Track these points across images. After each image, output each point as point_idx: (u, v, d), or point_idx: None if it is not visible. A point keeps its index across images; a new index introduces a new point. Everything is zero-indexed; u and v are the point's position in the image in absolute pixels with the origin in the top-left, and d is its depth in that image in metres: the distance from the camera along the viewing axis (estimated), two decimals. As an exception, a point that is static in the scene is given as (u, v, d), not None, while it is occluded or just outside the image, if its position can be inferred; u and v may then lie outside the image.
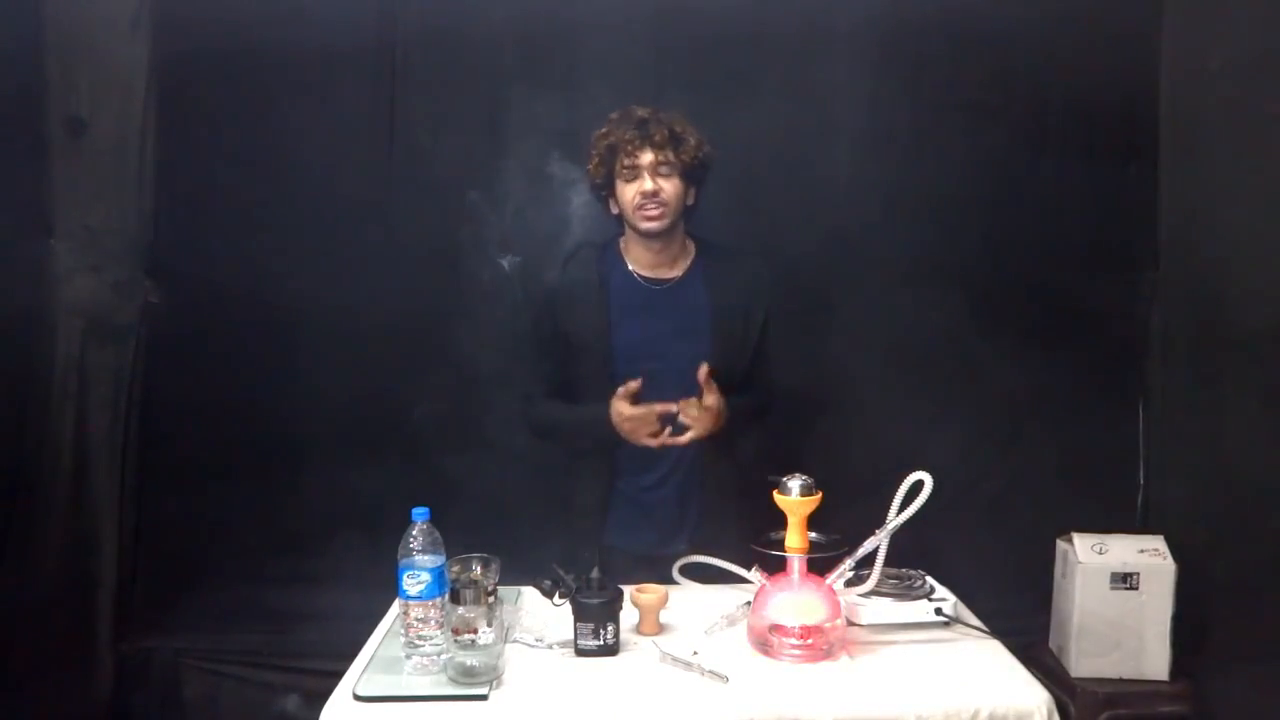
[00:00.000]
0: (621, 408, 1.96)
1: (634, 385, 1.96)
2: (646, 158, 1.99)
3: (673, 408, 1.96)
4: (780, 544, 1.70)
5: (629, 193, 2.01)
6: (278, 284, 2.62)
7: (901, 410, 2.72)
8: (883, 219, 2.67)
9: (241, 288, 2.63)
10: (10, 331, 2.49)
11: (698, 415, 1.97)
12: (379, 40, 2.64)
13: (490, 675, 1.55)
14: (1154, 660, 2.31)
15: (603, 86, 2.56)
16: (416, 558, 1.58)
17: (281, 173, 2.63)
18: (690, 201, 2.07)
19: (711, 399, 1.97)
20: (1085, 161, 2.72)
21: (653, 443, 1.98)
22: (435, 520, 1.61)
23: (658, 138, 1.99)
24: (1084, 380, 2.76)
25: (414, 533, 1.59)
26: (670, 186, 2.00)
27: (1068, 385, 2.75)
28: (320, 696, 1.53)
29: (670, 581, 1.95)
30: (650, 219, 2.00)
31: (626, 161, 2.00)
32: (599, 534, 2.11)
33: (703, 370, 1.97)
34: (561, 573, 1.70)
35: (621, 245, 2.13)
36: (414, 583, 1.57)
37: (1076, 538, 2.36)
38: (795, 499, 1.66)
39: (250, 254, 2.62)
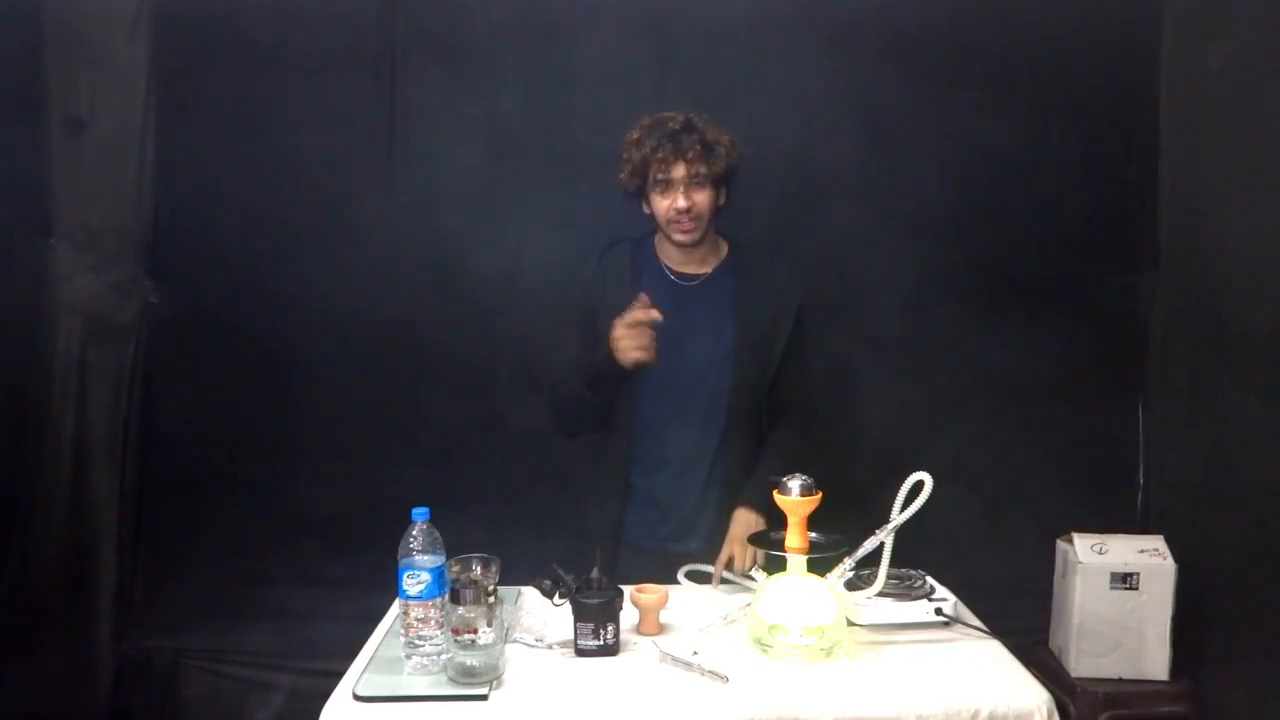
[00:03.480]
0: (619, 319, 1.93)
1: (644, 299, 1.93)
2: (679, 172, 2.00)
3: (656, 315, 1.91)
4: (780, 544, 1.70)
5: (663, 205, 2.03)
6: (278, 284, 2.62)
7: (901, 410, 2.72)
8: (882, 218, 2.66)
9: (242, 287, 2.63)
10: (10, 331, 2.49)
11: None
12: (379, 40, 2.64)
13: (490, 675, 1.55)
14: (1154, 660, 2.31)
15: (603, 84, 2.56)
16: (416, 558, 1.58)
17: (282, 173, 2.63)
18: (721, 203, 2.09)
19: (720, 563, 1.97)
20: (1085, 161, 2.73)
21: (640, 355, 1.92)
22: (436, 520, 1.62)
23: (690, 153, 1.99)
24: (1084, 380, 2.76)
25: (414, 533, 1.59)
26: (703, 198, 2.02)
27: (1067, 385, 2.75)
28: (320, 696, 1.53)
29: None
30: (684, 232, 2.03)
31: (659, 175, 2.01)
32: (616, 530, 2.11)
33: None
34: (561, 573, 1.70)
35: (656, 241, 2.16)
36: (414, 583, 1.57)
37: (1076, 538, 2.36)
38: (795, 499, 1.66)
39: (251, 254, 2.62)
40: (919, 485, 1.63)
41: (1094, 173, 2.74)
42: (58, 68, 2.56)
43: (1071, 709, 2.29)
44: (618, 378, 1.99)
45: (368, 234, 2.65)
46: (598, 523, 2.12)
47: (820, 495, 1.67)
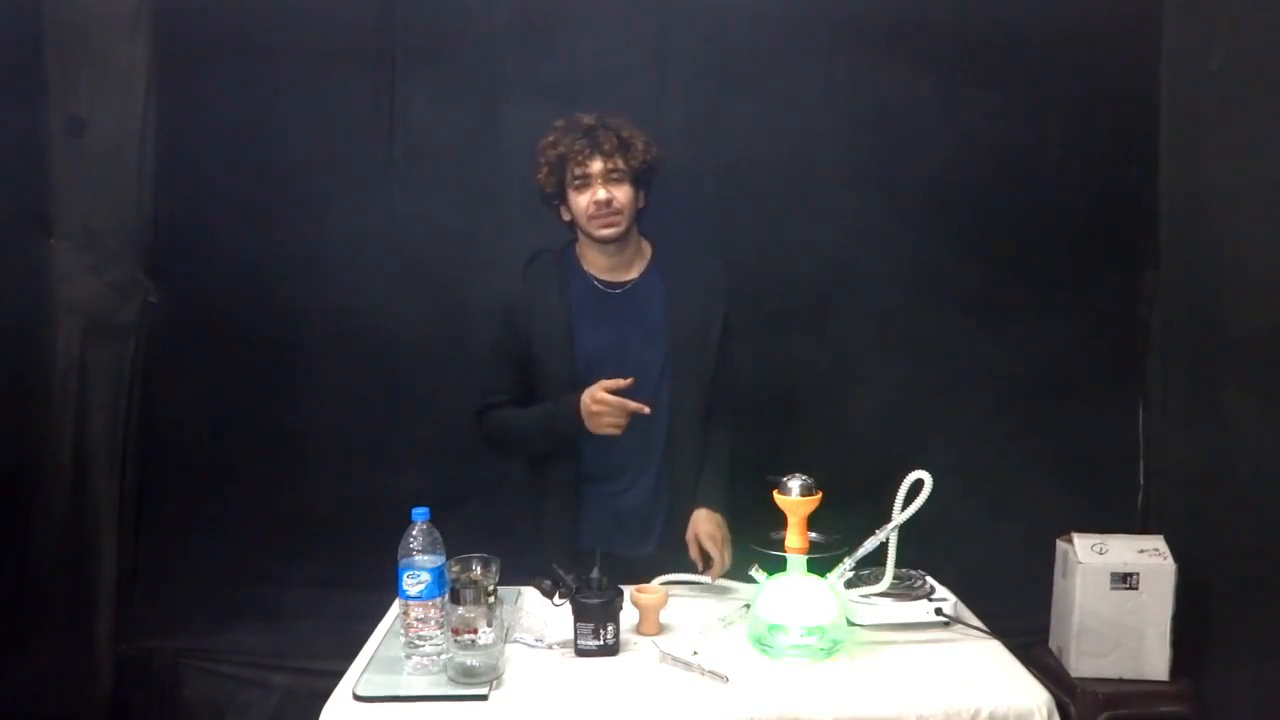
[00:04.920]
0: (598, 392, 1.94)
1: (623, 383, 1.94)
2: (597, 165, 2.00)
3: (645, 410, 1.95)
4: (780, 544, 1.70)
5: (583, 201, 2.02)
6: (278, 284, 2.62)
7: (901, 410, 2.72)
8: (882, 218, 2.66)
9: (242, 287, 2.63)
10: (10, 332, 2.49)
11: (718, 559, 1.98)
12: (379, 40, 2.64)
13: (490, 675, 1.55)
14: (1154, 660, 2.31)
15: (603, 85, 2.56)
16: (416, 558, 1.58)
17: (282, 173, 2.63)
18: (641, 204, 2.09)
19: (716, 564, 1.97)
20: (1085, 161, 2.73)
21: (613, 432, 1.96)
22: (436, 520, 1.62)
23: (607, 145, 2.00)
24: (1084, 380, 2.76)
25: (414, 533, 1.59)
26: (622, 193, 2.02)
27: (1067, 385, 2.75)
28: (320, 696, 1.53)
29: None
30: (606, 226, 2.02)
31: (577, 170, 2.01)
32: (572, 537, 2.09)
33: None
34: (561, 573, 1.70)
35: (578, 250, 2.15)
36: (414, 583, 1.57)
37: (1076, 538, 2.36)
38: (795, 499, 1.66)
39: (250, 254, 2.61)
40: (918, 484, 1.64)
41: (1094, 173, 2.74)
42: (58, 68, 2.56)
43: (1071, 709, 2.29)
44: (579, 436, 2.00)
45: (367, 234, 2.65)
46: (553, 531, 2.10)
47: (820, 495, 1.67)
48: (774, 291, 2.63)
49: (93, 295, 2.62)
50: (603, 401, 1.94)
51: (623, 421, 1.95)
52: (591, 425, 1.96)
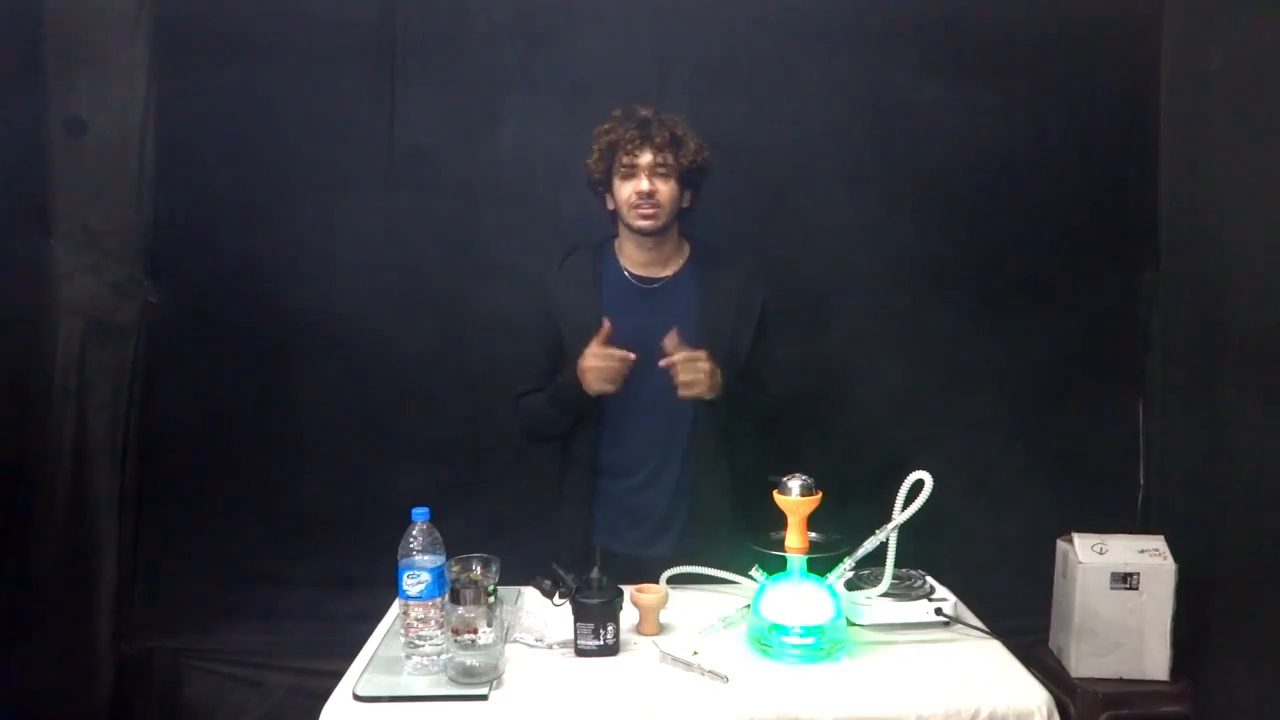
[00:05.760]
0: (589, 349, 1.95)
1: (607, 328, 1.95)
2: (646, 158, 2.00)
3: (630, 356, 1.94)
4: (780, 544, 1.70)
5: (626, 190, 2.03)
6: (278, 284, 2.62)
7: (901, 410, 2.72)
8: (882, 219, 2.66)
9: (241, 288, 2.63)
10: (10, 331, 2.49)
11: (693, 373, 1.95)
12: (379, 40, 2.64)
13: (490, 675, 1.55)
14: (1154, 660, 2.31)
15: (604, 84, 2.56)
16: (416, 558, 1.58)
17: (282, 173, 2.63)
18: (686, 204, 2.09)
19: (690, 361, 1.94)
20: (1085, 161, 2.73)
21: (608, 388, 1.95)
22: (436, 520, 1.62)
23: (659, 139, 2.00)
24: (1084, 380, 2.76)
25: (414, 533, 1.59)
26: (666, 188, 2.01)
27: (1068, 385, 2.75)
28: (320, 696, 1.53)
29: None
30: (645, 218, 2.02)
31: (626, 160, 2.01)
32: (586, 535, 2.09)
33: (670, 339, 1.95)
34: (561, 573, 1.70)
35: (615, 245, 2.15)
36: (414, 583, 1.57)
37: (1076, 538, 2.36)
38: (795, 499, 1.66)
39: (250, 254, 2.62)
40: (919, 484, 1.64)
41: (1094, 173, 2.74)
42: (58, 68, 2.56)
43: (1071, 709, 2.29)
44: (584, 401, 2.00)
45: (367, 234, 2.65)
46: (568, 528, 2.10)
47: (820, 495, 1.67)
48: (772, 290, 2.62)
49: (93, 295, 2.62)
50: (595, 354, 1.94)
51: (613, 375, 1.94)
52: (586, 384, 1.96)
